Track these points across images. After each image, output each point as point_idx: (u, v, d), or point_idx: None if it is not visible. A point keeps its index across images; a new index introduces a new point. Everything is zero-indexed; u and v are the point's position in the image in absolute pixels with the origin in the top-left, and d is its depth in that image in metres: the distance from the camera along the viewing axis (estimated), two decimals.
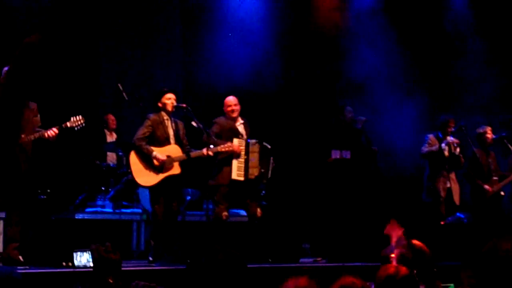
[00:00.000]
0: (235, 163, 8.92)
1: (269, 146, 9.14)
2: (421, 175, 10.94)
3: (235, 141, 8.96)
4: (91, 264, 3.50)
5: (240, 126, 9.20)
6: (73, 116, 7.95)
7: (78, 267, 3.33)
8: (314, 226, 10.42)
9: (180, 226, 9.09)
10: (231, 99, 9.24)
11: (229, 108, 9.15)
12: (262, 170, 8.99)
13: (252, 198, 9.06)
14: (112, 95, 11.26)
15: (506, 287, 2.58)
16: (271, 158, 9.21)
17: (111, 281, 3.39)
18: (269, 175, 9.19)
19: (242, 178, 8.94)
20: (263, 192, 9.97)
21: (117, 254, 3.47)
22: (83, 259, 3.36)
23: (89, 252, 3.44)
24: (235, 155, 8.92)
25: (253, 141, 9.05)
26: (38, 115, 7.89)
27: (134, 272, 7.17)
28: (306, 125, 12.33)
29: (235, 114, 9.14)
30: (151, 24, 12.38)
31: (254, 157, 8.99)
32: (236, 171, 8.92)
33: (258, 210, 8.98)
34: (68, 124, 7.88)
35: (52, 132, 7.70)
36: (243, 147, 8.97)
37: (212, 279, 3.10)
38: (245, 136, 9.11)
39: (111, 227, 8.66)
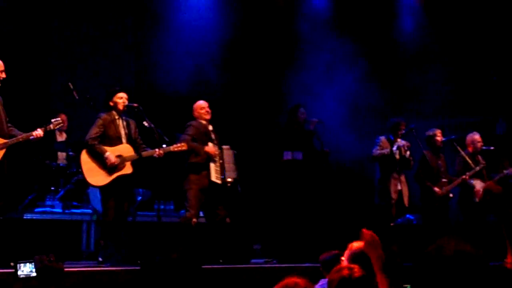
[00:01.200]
0: (212, 166, 9.11)
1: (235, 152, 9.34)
2: (370, 177, 11.04)
3: (210, 145, 9.13)
4: (34, 274, 3.50)
5: (211, 130, 9.37)
6: (53, 119, 8.07)
7: (21, 277, 3.30)
8: (266, 227, 10.43)
9: (130, 227, 9.02)
10: (203, 102, 9.43)
11: (204, 110, 9.36)
12: (236, 177, 9.27)
13: (225, 204, 9.22)
14: (62, 94, 11.14)
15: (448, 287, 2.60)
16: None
17: None
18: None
19: (219, 182, 9.09)
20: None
21: (60, 264, 3.47)
22: (26, 269, 3.33)
23: (33, 263, 3.42)
24: (212, 158, 9.08)
25: (227, 146, 9.29)
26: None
27: (83, 273, 7.07)
28: (259, 127, 12.36)
29: (209, 117, 9.34)
30: (103, 23, 12.28)
31: (229, 162, 9.20)
32: (214, 174, 9.09)
33: (227, 219, 9.21)
34: (52, 126, 7.98)
35: (39, 133, 7.78)
36: (218, 152, 9.15)
37: (166, 279, 3.07)
38: (215, 141, 9.27)
39: (60, 228, 8.52)
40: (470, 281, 2.60)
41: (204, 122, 9.34)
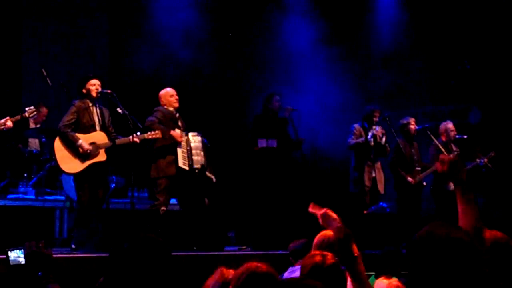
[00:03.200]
0: (179, 151, 8.96)
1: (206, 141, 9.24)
2: (345, 165, 11.08)
3: (177, 131, 9.01)
4: (23, 261, 3.52)
5: (179, 118, 9.25)
6: (28, 107, 8.20)
7: (13, 264, 3.31)
8: (240, 214, 10.44)
9: (104, 214, 8.98)
10: (172, 90, 9.31)
11: (174, 98, 9.21)
12: (204, 163, 9.03)
13: (198, 189, 9.10)
14: (35, 81, 11.07)
15: (440, 272, 2.61)
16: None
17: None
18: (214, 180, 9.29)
19: (187, 168, 8.94)
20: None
21: (49, 250, 3.50)
22: (13, 254, 3.35)
23: (22, 249, 3.44)
24: (178, 144, 8.96)
25: (194, 133, 9.13)
26: None
27: (56, 260, 7.04)
28: (233, 114, 12.35)
29: (177, 104, 9.23)
30: (76, 9, 12.18)
31: (197, 148, 9.03)
32: (181, 160, 8.94)
33: (206, 200, 9.09)
34: (26, 114, 8.15)
35: (10, 123, 7.91)
36: (184, 138, 9.01)
37: (135, 266, 3.06)
38: (182, 129, 9.15)
39: (33, 214, 8.51)
40: (462, 265, 2.61)
41: (171, 109, 9.22)
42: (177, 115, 9.25)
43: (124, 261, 2.96)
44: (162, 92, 9.31)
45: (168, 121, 9.07)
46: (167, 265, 3.03)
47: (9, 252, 3.55)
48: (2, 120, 7.85)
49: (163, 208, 8.80)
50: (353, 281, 3.30)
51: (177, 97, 9.24)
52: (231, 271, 3.75)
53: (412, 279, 2.68)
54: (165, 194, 8.91)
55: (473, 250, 2.65)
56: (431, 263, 2.64)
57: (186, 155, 8.99)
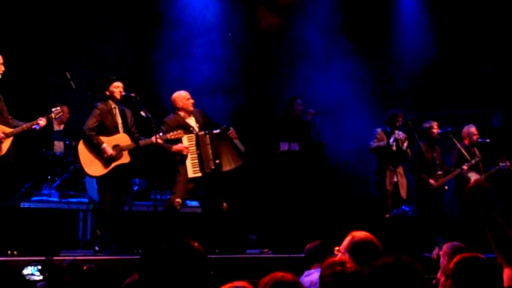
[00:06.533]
0: (188, 161, 8.78)
1: (217, 131, 8.99)
2: (368, 169, 11.07)
3: (184, 140, 8.80)
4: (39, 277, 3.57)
5: (190, 119, 9.03)
6: (53, 108, 8.32)
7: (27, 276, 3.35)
8: (261, 217, 10.45)
9: (127, 216, 9.03)
10: (186, 92, 9.08)
11: (189, 101, 8.98)
12: (217, 161, 8.86)
13: (215, 192, 8.92)
14: (59, 84, 11.14)
15: None
16: (227, 135, 9.02)
17: None
18: (243, 149, 9.10)
19: (199, 174, 8.77)
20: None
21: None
22: (28, 271, 3.39)
23: (36, 266, 3.48)
24: (186, 155, 8.79)
25: (202, 133, 8.89)
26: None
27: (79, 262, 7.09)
28: (256, 117, 12.36)
29: (192, 107, 9.03)
30: (100, 12, 12.25)
31: (207, 150, 8.84)
32: (192, 168, 8.77)
33: (224, 204, 8.84)
34: (53, 115, 8.26)
35: (43, 122, 8.04)
36: (193, 142, 8.85)
37: (170, 269, 3.07)
38: (196, 129, 8.94)
39: (57, 216, 8.55)
40: None
41: (182, 113, 9.01)
42: (189, 117, 9.08)
43: (158, 263, 2.98)
44: (177, 95, 9.07)
45: (177, 130, 8.81)
46: (203, 270, 3.02)
47: (24, 269, 3.57)
48: (38, 121, 8.01)
49: (177, 200, 8.61)
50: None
51: (192, 100, 9.04)
52: (243, 283, 3.78)
53: None
54: (182, 191, 8.71)
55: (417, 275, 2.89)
56: None
57: (196, 161, 8.79)
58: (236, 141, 9.07)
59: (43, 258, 3.55)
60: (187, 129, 8.92)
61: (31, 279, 3.55)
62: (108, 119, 8.51)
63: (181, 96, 9.06)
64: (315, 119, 10.39)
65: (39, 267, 3.57)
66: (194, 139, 8.87)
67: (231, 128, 9.01)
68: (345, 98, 12.49)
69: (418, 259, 5.96)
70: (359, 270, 3.83)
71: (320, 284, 3.98)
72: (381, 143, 10.41)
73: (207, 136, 8.90)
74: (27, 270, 3.57)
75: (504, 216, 3.46)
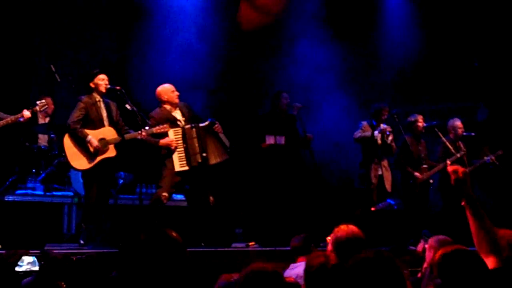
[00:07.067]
0: (175, 155, 8.77)
1: (204, 124, 8.99)
2: (353, 162, 11.09)
3: (170, 133, 8.79)
4: (35, 268, 3.54)
5: (176, 112, 9.01)
6: (38, 101, 8.38)
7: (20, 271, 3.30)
8: (247, 211, 10.46)
9: (112, 210, 9.01)
10: (170, 85, 9.04)
11: (174, 94, 8.94)
12: (204, 155, 8.85)
13: (202, 185, 8.91)
14: (43, 77, 11.09)
15: None
16: (213, 129, 9.02)
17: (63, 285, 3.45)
18: (227, 143, 9.09)
19: (186, 168, 8.77)
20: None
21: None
22: (25, 262, 3.34)
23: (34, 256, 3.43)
24: (172, 149, 8.78)
25: (188, 126, 8.87)
26: None
27: (70, 259, 7.07)
28: (241, 111, 12.35)
29: (177, 100, 9.00)
30: (87, 6, 12.20)
31: (193, 143, 8.82)
32: (178, 162, 8.76)
33: (211, 197, 8.85)
34: (37, 107, 8.31)
35: (28, 114, 8.11)
36: (179, 136, 8.83)
37: (149, 260, 3.07)
38: (183, 123, 8.93)
39: (42, 210, 8.52)
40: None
41: (168, 107, 8.98)
42: (175, 110, 9.02)
43: (137, 255, 2.98)
44: (161, 88, 9.03)
45: (164, 124, 8.77)
46: (182, 261, 3.04)
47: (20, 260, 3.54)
48: (23, 113, 8.02)
49: (164, 194, 8.61)
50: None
51: (177, 93, 8.99)
52: (233, 275, 3.81)
53: None
54: (168, 184, 8.70)
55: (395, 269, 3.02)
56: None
57: (183, 155, 8.78)
58: (222, 136, 9.07)
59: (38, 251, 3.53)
60: (174, 122, 8.89)
61: (27, 270, 3.52)
62: (92, 112, 8.48)
63: (166, 89, 9.02)
64: (301, 112, 10.38)
65: (35, 258, 3.55)
66: (181, 133, 8.84)
67: (217, 122, 9.01)
68: (330, 91, 12.49)
69: (404, 252, 6.00)
70: (342, 263, 3.91)
71: (305, 276, 4.03)
72: (366, 134, 10.42)
73: (194, 129, 8.87)
74: (24, 261, 3.55)
75: (489, 209, 3.48)
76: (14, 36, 11.44)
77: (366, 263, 2.95)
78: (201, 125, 8.93)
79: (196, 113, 9.28)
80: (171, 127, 8.77)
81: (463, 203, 3.57)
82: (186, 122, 8.96)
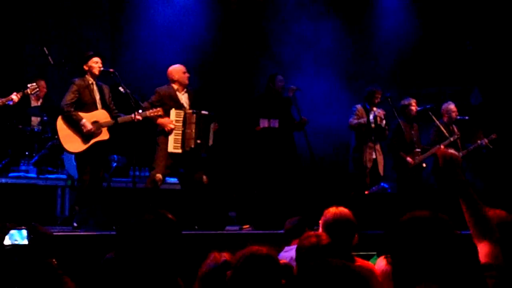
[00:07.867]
0: (171, 136, 8.88)
1: (206, 112, 9.08)
2: (346, 146, 11.08)
3: (172, 114, 8.91)
4: (24, 242, 3.50)
5: (183, 95, 9.14)
6: (29, 84, 8.43)
7: (7, 245, 3.25)
8: (241, 194, 10.44)
9: (105, 193, 8.99)
10: (182, 66, 9.20)
11: (185, 75, 9.11)
12: (198, 141, 8.94)
13: (194, 167, 9.03)
14: (36, 59, 11.04)
15: (421, 253, 2.69)
16: (212, 124, 9.13)
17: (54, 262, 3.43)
18: (211, 142, 9.16)
19: (179, 150, 8.90)
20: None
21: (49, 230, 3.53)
22: (14, 235, 3.29)
23: (23, 230, 3.38)
24: (166, 130, 8.87)
25: (190, 111, 9.00)
26: None
27: (58, 238, 7.06)
28: (235, 94, 12.33)
29: (187, 81, 9.11)
30: None
31: (191, 128, 8.94)
32: (173, 143, 8.89)
33: (204, 177, 8.98)
34: (29, 90, 8.37)
35: (16, 97, 8.14)
36: (180, 119, 8.92)
37: (144, 242, 3.08)
38: (187, 107, 9.07)
39: (35, 193, 8.52)
40: (442, 248, 2.69)
41: (176, 86, 9.12)
42: (182, 93, 9.16)
43: (133, 237, 2.98)
44: (173, 68, 9.19)
45: (168, 102, 8.98)
46: (177, 243, 3.04)
47: (9, 232, 3.51)
48: (11, 96, 8.00)
49: (158, 175, 8.76)
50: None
51: (188, 74, 9.15)
52: (224, 254, 3.81)
53: (398, 260, 2.74)
54: (161, 166, 8.85)
55: (452, 233, 2.78)
56: (415, 243, 2.74)
57: (179, 137, 8.91)
58: (212, 132, 9.12)
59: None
60: (177, 103, 9.04)
61: (14, 243, 3.48)
62: (86, 95, 8.45)
63: (177, 69, 9.18)
64: (296, 95, 10.33)
65: (25, 231, 3.51)
66: (182, 116, 8.98)
67: (216, 121, 9.15)
68: (323, 75, 12.48)
69: None
70: (332, 242, 3.92)
71: (296, 256, 4.04)
72: (361, 120, 10.41)
73: (194, 115, 9.00)
74: (11, 235, 3.50)
75: (482, 193, 3.47)
76: (6, 19, 11.37)
77: (421, 220, 2.81)
78: (202, 112, 9.06)
79: (203, 103, 9.37)
80: (175, 107, 8.92)
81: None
82: (190, 108, 9.12)
